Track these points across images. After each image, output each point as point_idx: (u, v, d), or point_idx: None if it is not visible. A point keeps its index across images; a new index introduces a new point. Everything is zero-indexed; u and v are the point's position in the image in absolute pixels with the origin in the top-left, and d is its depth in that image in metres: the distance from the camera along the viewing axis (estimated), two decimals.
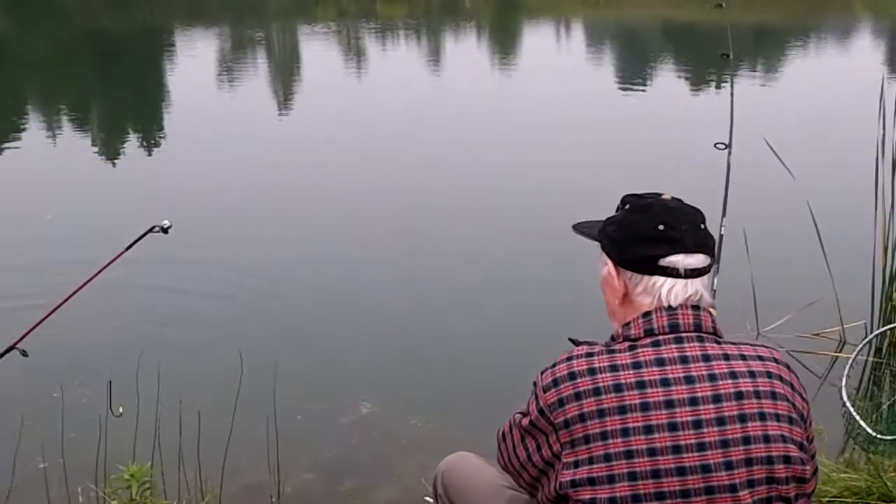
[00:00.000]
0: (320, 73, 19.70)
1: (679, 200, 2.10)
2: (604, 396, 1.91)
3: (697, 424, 1.88)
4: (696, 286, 2.01)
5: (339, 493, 4.70)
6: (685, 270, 1.99)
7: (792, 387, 1.98)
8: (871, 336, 5.70)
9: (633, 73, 19.92)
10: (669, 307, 1.99)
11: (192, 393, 5.21)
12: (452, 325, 6.94)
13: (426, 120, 13.71)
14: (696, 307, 2.01)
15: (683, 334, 1.98)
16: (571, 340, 2.13)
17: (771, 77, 18.51)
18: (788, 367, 2.03)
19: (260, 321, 6.78)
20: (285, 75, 20.43)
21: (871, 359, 5.76)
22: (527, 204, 9.25)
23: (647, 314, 2.00)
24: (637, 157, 10.75)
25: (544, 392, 1.98)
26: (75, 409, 4.77)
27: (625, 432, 1.88)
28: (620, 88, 17.58)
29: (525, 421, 2.04)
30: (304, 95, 18.12)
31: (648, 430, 1.88)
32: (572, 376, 1.95)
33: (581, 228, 2.26)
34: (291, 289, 7.50)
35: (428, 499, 3.16)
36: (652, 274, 2.00)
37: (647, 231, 2.01)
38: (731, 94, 5.22)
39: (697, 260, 2.01)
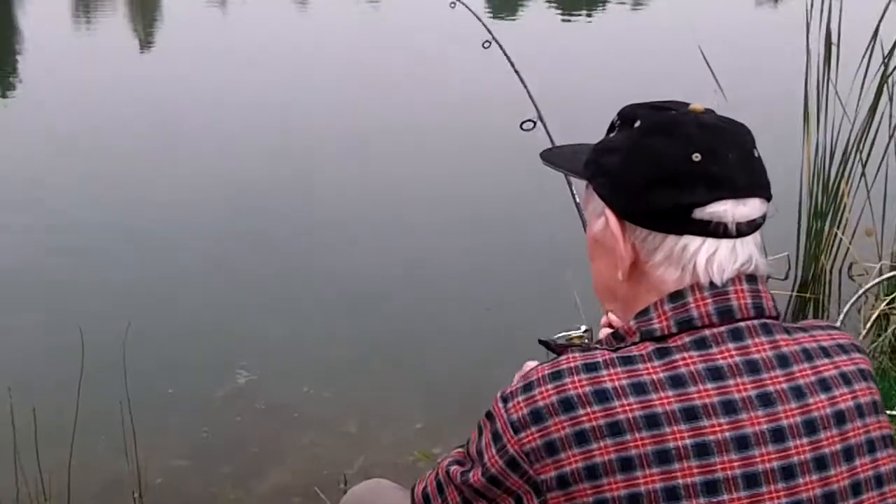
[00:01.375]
0: (181, 9, 18.43)
1: (714, 113, 1.34)
2: (629, 437, 1.19)
3: (789, 474, 1.21)
4: (749, 248, 1.29)
5: (216, 482, 3.98)
6: (736, 225, 1.27)
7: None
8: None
9: None
10: (712, 284, 1.27)
11: (22, 375, 4.37)
12: (351, 264, 6.09)
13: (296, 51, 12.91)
14: (751, 279, 1.29)
15: (742, 324, 1.27)
16: (545, 343, 1.42)
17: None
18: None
19: (106, 280, 5.86)
20: (146, 12, 19.06)
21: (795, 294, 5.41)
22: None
23: (677, 296, 1.28)
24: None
25: (516, 431, 1.24)
26: None
27: (672, 495, 1.18)
28: None
29: (475, 476, 1.30)
30: (165, 32, 16.89)
31: (713, 488, 1.19)
32: (568, 404, 1.22)
33: (554, 158, 1.50)
34: (147, 239, 6.56)
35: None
36: (682, 232, 1.27)
37: (675, 163, 1.27)
38: None
39: (752, 208, 1.29)
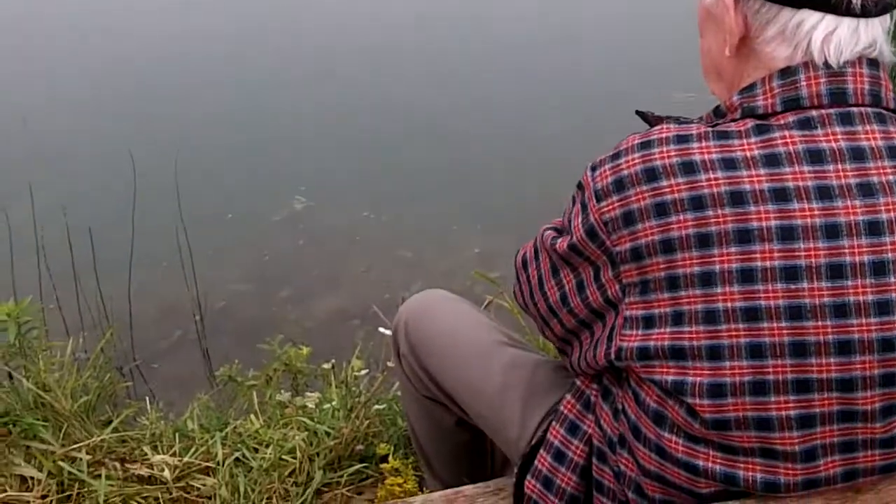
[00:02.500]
0: None
1: None
2: (710, 213, 1.09)
3: (880, 270, 1.09)
4: (874, 31, 1.14)
5: (275, 304, 4.00)
6: (862, 1, 1.12)
7: None
8: None
9: None
10: (827, 64, 1.13)
11: (77, 201, 4.37)
12: (417, 87, 5.95)
13: None
14: (873, 64, 1.15)
15: (854, 109, 1.13)
16: (641, 114, 1.29)
17: None
18: None
19: (153, 107, 5.78)
20: None
21: None
22: None
23: (787, 73, 1.14)
24: None
25: (598, 200, 1.17)
26: None
27: (747, 276, 1.08)
28: None
29: (562, 243, 1.25)
30: None
31: (792, 274, 1.08)
32: (652, 174, 1.12)
33: None
34: (206, 69, 6.45)
35: (384, 330, 2.42)
36: (799, 5, 1.13)
37: None
38: None
39: None
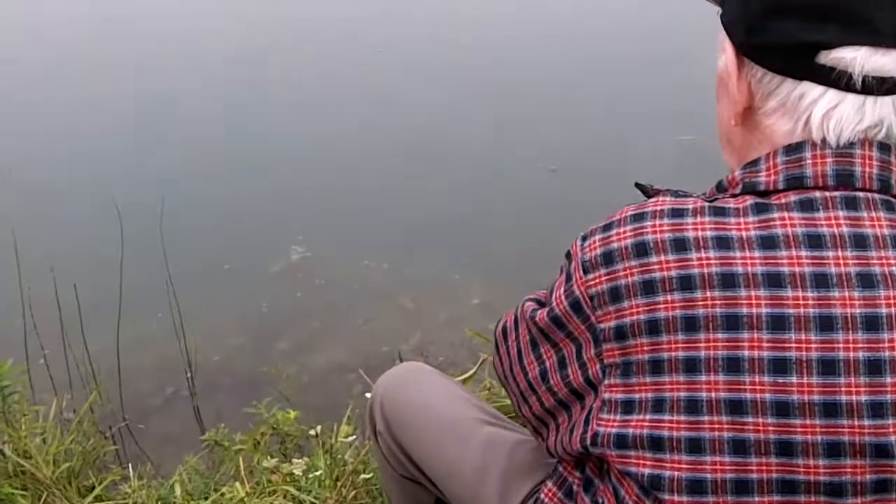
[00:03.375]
0: None
1: None
2: (699, 295, 1.03)
3: (875, 369, 1.01)
4: (883, 110, 1.06)
5: (270, 359, 3.91)
6: (869, 78, 1.04)
7: None
8: None
9: None
10: (832, 143, 1.07)
11: (64, 253, 4.32)
12: (420, 137, 5.91)
13: None
14: (884, 148, 1.08)
15: (860, 194, 1.06)
16: (640, 187, 1.23)
17: None
18: None
19: (142, 156, 5.72)
20: None
21: None
22: None
23: (793, 149, 1.09)
24: None
25: (585, 272, 1.11)
26: None
27: (733, 366, 1.02)
28: None
29: (542, 315, 1.19)
30: None
31: (781, 367, 1.00)
32: (642, 249, 1.07)
33: None
34: (193, 105, 6.42)
35: (368, 394, 2.35)
36: (802, 77, 1.07)
37: None
38: None
39: (893, 62, 1.05)
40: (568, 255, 1.16)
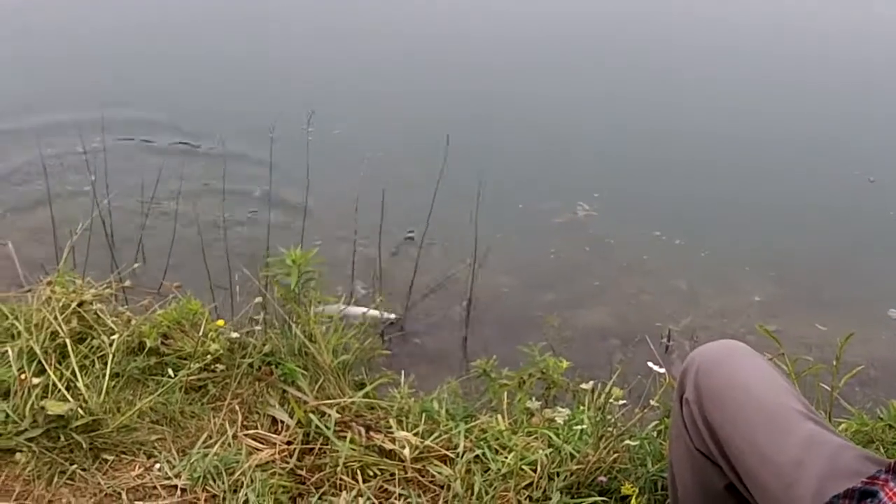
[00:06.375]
0: None
1: None
2: None
3: None
4: None
5: (535, 307, 3.94)
6: None
7: None
8: None
9: None
10: None
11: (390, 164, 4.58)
12: (714, 125, 5.75)
13: None
14: None
15: None
16: None
17: None
18: None
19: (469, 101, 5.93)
20: None
21: None
22: None
23: None
24: None
25: None
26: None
27: None
28: None
29: None
30: None
31: None
32: None
33: None
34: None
35: (654, 366, 2.29)
36: None
37: None
38: None
39: None
40: None
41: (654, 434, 2.08)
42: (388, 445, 2.04)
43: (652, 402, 2.09)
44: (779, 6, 8.58)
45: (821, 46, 7.35)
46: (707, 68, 6.82)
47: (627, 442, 2.05)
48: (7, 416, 1.94)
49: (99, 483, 1.91)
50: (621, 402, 2.21)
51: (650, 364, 2.35)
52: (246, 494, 1.87)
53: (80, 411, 1.98)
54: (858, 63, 7.06)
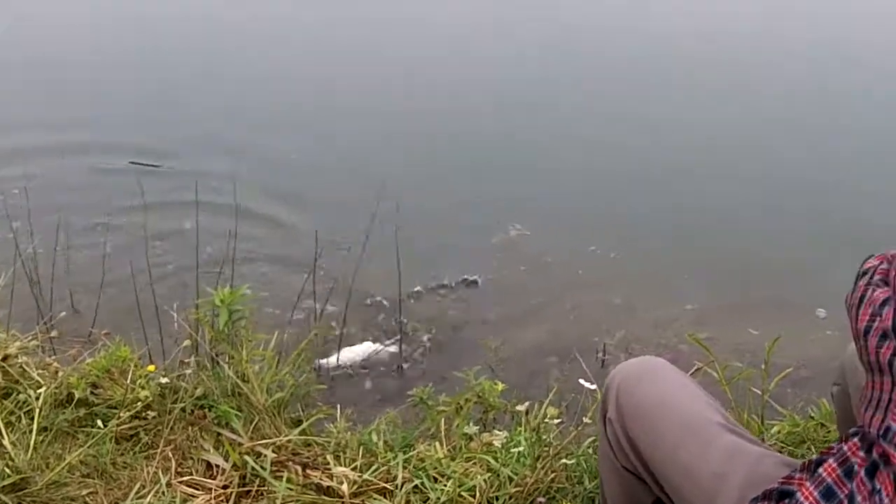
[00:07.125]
0: None
1: None
2: None
3: None
4: None
5: (473, 330, 3.94)
6: None
7: None
8: None
9: None
10: None
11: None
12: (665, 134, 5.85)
13: None
14: None
15: None
16: None
17: None
18: None
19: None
20: None
21: None
22: None
23: None
24: None
25: None
26: None
27: None
28: None
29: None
30: None
31: None
32: None
33: None
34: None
35: (585, 383, 2.31)
36: None
37: None
38: None
39: None
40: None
41: (590, 451, 2.09)
42: (326, 482, 2.03)
43: (585, 420, 2.11)
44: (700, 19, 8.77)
45: (728, 52, 7.52)
46: (632, 80, 6.93)
47: (564, 461, 2.07)
48: None
49: None
50: (557, 420, 2.23)
51: (581, 381, 2.37)
52: None
53: (7, 470, 1.93)
54: (769, 67, 7.25)
